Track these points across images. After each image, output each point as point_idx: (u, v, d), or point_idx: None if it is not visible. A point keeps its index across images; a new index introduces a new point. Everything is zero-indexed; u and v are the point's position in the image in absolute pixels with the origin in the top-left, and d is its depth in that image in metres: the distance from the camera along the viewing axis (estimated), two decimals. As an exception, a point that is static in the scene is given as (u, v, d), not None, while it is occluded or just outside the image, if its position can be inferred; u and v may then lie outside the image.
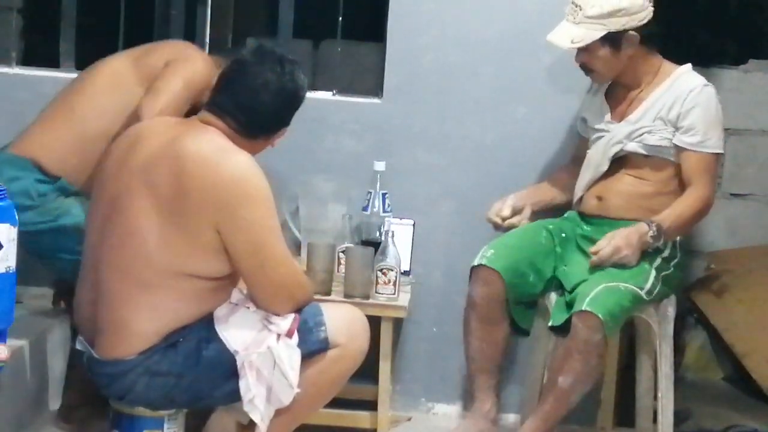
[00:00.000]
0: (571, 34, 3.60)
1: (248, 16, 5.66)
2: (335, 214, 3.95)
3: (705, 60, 5.47)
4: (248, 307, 3.00)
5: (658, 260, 3.64)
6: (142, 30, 4.98)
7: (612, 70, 3.67)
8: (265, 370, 2.94)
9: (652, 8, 3.63)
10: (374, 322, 3.70)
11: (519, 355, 3.95)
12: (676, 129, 3.63)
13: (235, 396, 2.97)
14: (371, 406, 3.86)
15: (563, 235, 3.74)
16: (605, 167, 3.71)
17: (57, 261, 3.53)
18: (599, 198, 3.71)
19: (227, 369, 2.95)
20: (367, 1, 5.00)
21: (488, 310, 3.66)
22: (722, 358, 5.10)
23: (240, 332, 2.95)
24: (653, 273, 3.61)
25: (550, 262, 3.69)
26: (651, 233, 3.54)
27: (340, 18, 4.46)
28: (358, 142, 4.17)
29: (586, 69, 3.69)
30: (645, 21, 3.61)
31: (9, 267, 2.96)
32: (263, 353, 2.94)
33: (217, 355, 2.95)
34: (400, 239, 3.87)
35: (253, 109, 3.01)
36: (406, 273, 3.96)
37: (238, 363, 2.94)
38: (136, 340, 2.94)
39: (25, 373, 3.49)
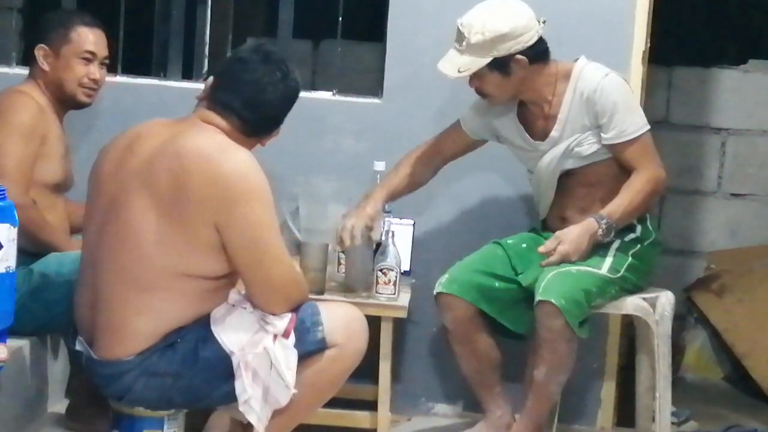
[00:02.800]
0: (458, 63, 3.55)
1: (248, 16, 5.65)
2: (335, 214, 3.95)
3: (705, 60, 5.49)
4: (245, 308, 2.99)
5: (618, 242, 3.62)
6: (142, 30, 4.98)
7: (506, 92, 3.62)
8: (262, 371, 2.93)
9: (540, 25, 3.57)
10: (374, 322, 3.69)
11: (519, 355, 3.95)
12: (599, 129, 3.59)
13: (232, 396, 2.95)
14: (371, 406, 3.85)
15: (524, 245, 3.74)
16: (554, 188, 3.70)
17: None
18: (563, 219, 3.70)
19: (224, 370, 2.95)
20: (367, 1, 5.00)
21: (463, 331, 3.71)
22: (722, 358, 5.11)
23: (236, 333, 2.94)
24: (612, 254, 3.59)
25: (511, 268, 3.71)
26: (600, 231, 3.52)
27: (340, 18, 4.45)
28: (358, 142, 4.17)
29: (481, 94, 3.65)
30: (532, 42, 3.54)
31: (9, 267, 2.96)
32: (259, 354, 2.92)
33: (213, 355, 2.94)
34: (400, 239, 3.87)
35: (259, 106, 3.01)
36: (406, 273, 3.96)
37: (234, 364, 2.93)
38: (134, 341, 2.93)
39: (25, 373, 3.49)
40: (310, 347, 2.99)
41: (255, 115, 3.01)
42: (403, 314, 3.78)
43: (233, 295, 3.01)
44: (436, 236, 4.18)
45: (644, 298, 3.70)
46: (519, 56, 3.53)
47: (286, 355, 2.94)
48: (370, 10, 4.81)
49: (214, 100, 3.02)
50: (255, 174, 2.92)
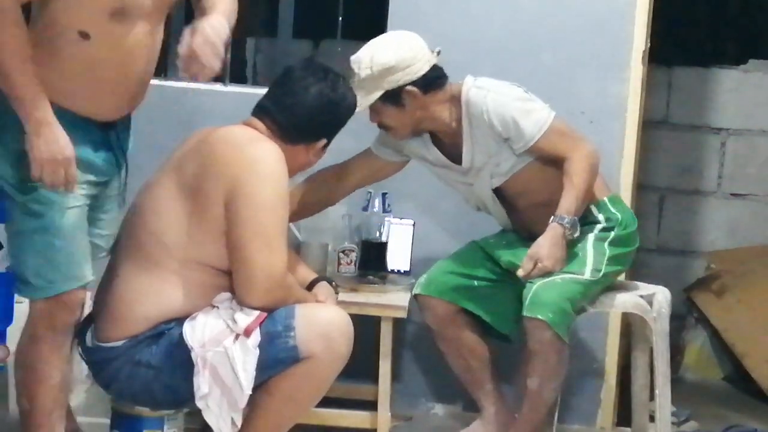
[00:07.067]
0: None
1: (248, 16, 5.65)
2: (335, 214, 3.95)
3: (705, 60, 5.49)
4: (217, 307, 2.96)
5: (591, 237, 3.58)
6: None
7: (406, 124, 3.58)
8: (221, 370, 2.88)
9: (432, 54, 3.54)
10: (374, 322, 3.70)
11: (513, 355, 3.95)
12: (509, 141, 3.53)
13: None
14: (371, 406, 3.85)
15: (504, 242, 3.74)
16: (500, 206, 3.68)
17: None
18: (527, 230, 3.68)
19: (192, 367, 2.91)
20: (367, 1, 5.00)
21: (445, 331, 3.73)
22: (722, 358, 5.11)
23: (202, 329, 2.92)
24: (590, 252, 3.56)
25: (490, 265, 3.71)
26: (567, 232, 3.46)
27: (340, 18, 4.46)
28: (358, 142, 4.16)
29: (383, 128, 3.63)
30: (422, 72, 3.51)
31: (9, 267, 2.96)
32: (220, 352, 2.88)
33: (183, 352, 2.91)
34: (400, 239, 3.89)
35: (290, 109, 3.08)
36: (406, 273, 3.97)
37: (193, 359, 2.89)
38: (126, 324, 2.96)
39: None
40: (280, 354, 2.91)
41: (286, 117, 3.08)
42: (403, 314, 3.78)
43: (218, 296, 3.00)
44: (436, 236, 4.18)
45: (641, 296, 3.70)
46: (409, 87, 3.51)
47: (245, 355, 2.88)
48: (370, 10, 4.81)
49: (256, 105, 3.14)
50: (274, 162, 2.96)
